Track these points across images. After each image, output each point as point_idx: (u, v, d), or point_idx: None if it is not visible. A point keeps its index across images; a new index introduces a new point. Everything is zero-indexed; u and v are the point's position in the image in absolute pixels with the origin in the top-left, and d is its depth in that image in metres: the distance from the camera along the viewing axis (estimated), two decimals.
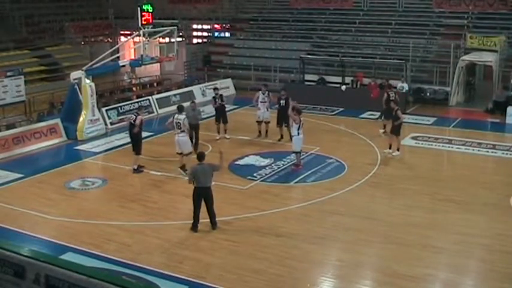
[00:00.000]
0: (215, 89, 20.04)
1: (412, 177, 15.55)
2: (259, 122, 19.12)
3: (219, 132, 19.11)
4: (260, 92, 19.26)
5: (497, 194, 14.26)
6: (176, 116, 15.79)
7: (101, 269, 9.33)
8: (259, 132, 19.19)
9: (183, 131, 15.57)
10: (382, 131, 19.60)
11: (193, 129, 17.20)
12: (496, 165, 17.12)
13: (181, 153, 15.75)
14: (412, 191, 14.50)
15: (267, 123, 19.04)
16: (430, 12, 28.87)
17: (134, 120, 16.13)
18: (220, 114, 19.13)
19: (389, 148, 17.30)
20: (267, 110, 18.93)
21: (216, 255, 11.10)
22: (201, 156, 12.18)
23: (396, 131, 17.17)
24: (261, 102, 18.99)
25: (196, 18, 34.89)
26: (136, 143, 16.22)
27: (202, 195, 11.93)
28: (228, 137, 19.12)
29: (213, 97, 19.33)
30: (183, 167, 15.55)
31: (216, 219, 12.14)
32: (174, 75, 28.03)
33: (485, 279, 10.44)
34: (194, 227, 12.02)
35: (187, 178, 12.43)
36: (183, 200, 13.94)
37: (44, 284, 5.13)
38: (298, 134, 15.85)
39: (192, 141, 16.55)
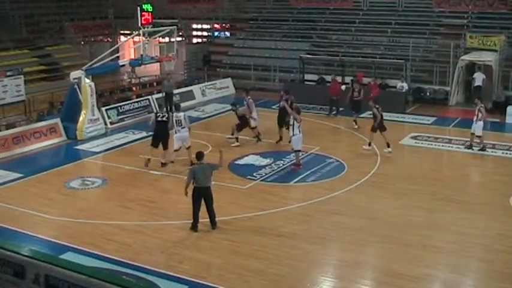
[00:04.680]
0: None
1: (412, 177, 15.54)
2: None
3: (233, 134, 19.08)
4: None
5: (497, 194, 14.25)
6: (175, 114, 16.32)
7: (101, 269, 9.32)
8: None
9: (184, 127, 16.09)
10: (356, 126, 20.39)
11: (168, 96, 21.77)
12: (496, 165, 17.11)
13: (178, 149, 16.24)
14: (412, 191, 14.49)
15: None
16: (429, 11, 28.86)
17: (167, 118, 16.34)
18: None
19: (388, 147, 17.40)
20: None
21: (216, 255, 11.09)
22: (200, 156, 12.14)
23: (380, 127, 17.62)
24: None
25: (196, 18, 34.88)
26: (167, 139, 16.32)
27: (202, 195, 11.89)
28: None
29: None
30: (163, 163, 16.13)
31: (216, 219, 12.13)
32: (173, 75, 27.99)
33: (485, 279, 10.44)
34: (194, 227, 12.01)
35: (186, 178, 12.33)
36: (183, 200, 13.91)
37: (44, 283, 5.13)
38: (299, 132, 15.89)
39: (167, 108, 19.95)
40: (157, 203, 13.86)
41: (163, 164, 16.19)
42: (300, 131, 15.93)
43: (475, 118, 17.71)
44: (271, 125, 19.24)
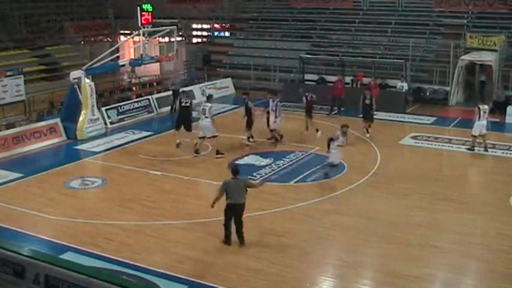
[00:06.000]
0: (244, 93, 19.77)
1: (412, 177, 15.54)
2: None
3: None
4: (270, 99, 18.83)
5: (497, 194, 14.26)
6: (203, 103, 17.60)
7: (101, 269, 9.32)
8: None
9: (207, 117, 17.02)
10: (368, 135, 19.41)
11: (175, 93, 22.01)
12: (496, 165, 17.11)
13: (203, 137, 17.17)
14: (412, 191, 14.49)
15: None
16: (429, 11, 28.88)
17: (191, 103, 18.28)
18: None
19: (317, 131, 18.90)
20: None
21: (216, 255, 11.08)
22: (235, 170, 11.45)
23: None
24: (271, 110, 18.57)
25: (196, 17, 34.88)
26: (190, 122, 18.09)
27: (233, 212, 11.22)
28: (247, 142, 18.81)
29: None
30: (196, 151, 17.25)
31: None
32: (173, 75, 28.00)
33: (485, 279, 10.45)
34: (226, 241, 11.40)
35: (218, 189, 11.40)
36: (183, 200, 13.97)
37: (44, 283, 5.14)
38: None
39: (172, 106, 22.27)
40: (157, 203, 13.85)
41: (178, 144, 17.99)
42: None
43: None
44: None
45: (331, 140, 15.37)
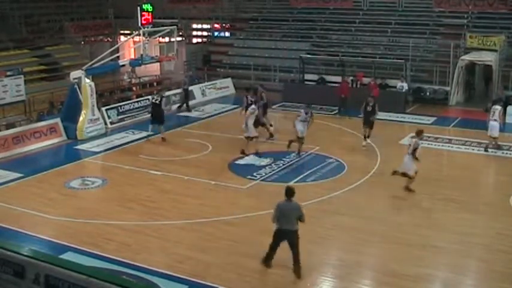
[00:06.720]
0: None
1: None
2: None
3: None
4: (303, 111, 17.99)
5: (497, 194, 14.28)
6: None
7: (101, 269, 9.32)
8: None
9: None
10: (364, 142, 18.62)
11: (186, 92, 23.77)
12: (496, 165, 17.12)
13: (248, 137, 17.20)
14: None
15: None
16: (429, 11, 28.90)
17: (160, 101, 19.17)
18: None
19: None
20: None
21: (216, 255, 11.08)
22: (290, 192, 10.14)
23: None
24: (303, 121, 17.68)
25: (196, 17, 34.90)
26: (161, 116, 19.16)
27: (282, 239, 10.18)
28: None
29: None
30: (243, 152, 17.13)
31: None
32: (173, 75, 28.01)
33: (485, 279, 10.45)
34: (265, 261, 10.49)
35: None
36: (183, 200, 13.96)
37: (44, 283, 5.14)
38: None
39: (184, 104, 23.74)
40: (157, 203, 13.85)
41: (163, 139, 18.91)
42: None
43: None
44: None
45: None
